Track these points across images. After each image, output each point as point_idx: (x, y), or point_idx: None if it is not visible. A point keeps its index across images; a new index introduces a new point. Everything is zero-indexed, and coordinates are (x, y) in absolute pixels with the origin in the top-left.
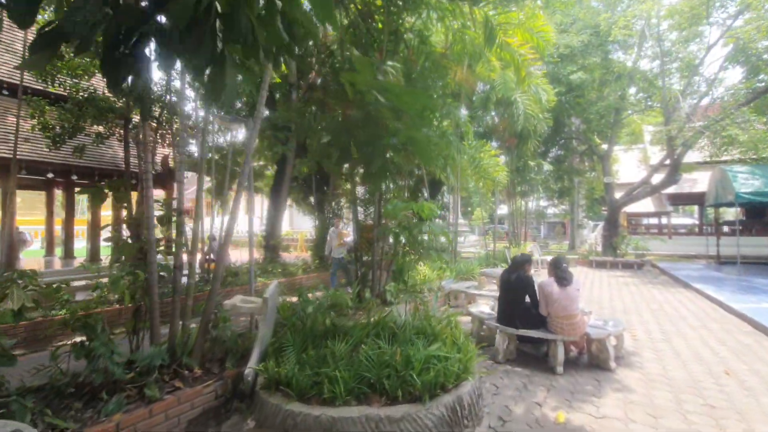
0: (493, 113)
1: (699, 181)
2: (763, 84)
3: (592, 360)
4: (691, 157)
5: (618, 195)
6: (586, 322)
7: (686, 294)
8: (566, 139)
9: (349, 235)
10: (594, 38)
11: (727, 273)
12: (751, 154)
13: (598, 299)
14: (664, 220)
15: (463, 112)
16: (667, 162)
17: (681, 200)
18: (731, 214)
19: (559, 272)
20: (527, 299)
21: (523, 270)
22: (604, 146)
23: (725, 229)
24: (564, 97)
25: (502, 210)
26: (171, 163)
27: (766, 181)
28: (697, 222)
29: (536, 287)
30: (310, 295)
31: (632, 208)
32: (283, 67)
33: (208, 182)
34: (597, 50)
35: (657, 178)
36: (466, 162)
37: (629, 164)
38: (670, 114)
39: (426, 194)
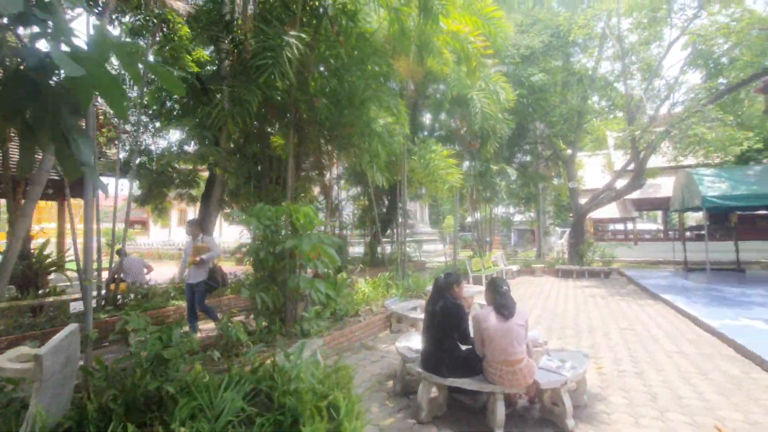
0: (452, 116)
1: (663, 186)
2: (723, 85)
3: (545, 413)
4: (655, 162)
5: (584, 201)
6: (534, 368)
7: (656, 307)
8: (531, 144)
9: (208, 249)
10: (555, 39)
11: (696, 281)
12: (714, 157)
13: (562, 316)
14: (629, 226)
15: (427, 116)
16: (632, 167)
17: (645, 205)
18: (693, 219)
19: (498, 298)
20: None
21: (451, 295)
22: (569, 151)
23: (687, 234)
24: (526, 100)
25: (472, 218)
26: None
27: (732, 184)
28: (661, 228)
29: (471, 319)
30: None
31: (598, 214)
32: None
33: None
34: (558, 52)
35: (622, 183)
36: (415, 163)
37: (594, 170)
38: (633, 115)
39: (385, 202)
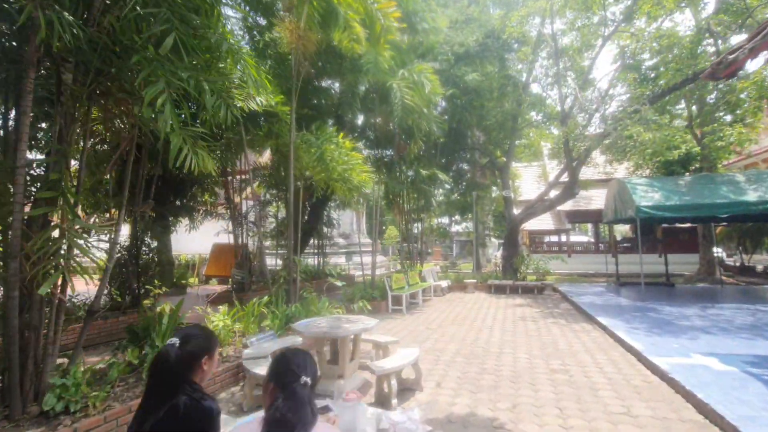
0: (371, 110)
1: (594, 199)
2: (651, 94)
3: None
4: (587, 173)
5: (518, 212)
6: None
7: (593, 334)
8: (469, 151)
9: None
10: (490, 40)
11: (630, 298)
12: (645, 168)
13: (482, 353)
14: (563, 238)
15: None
16: (565, 177)
17: (578, 218)
18: (619, 232)
19: (279, 401)
20: None
21: (191, 385)
22: (505, 159)
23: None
24: (460, 101)
25: (404, 227)
26: None
27: (665, 194)
28: (592, 240)
29: None
30: None
31: (534, 225)
32: None
33: None
34: (494, 55)
35: (556, 195)
36: (310, 155)
37: (530, 181)
38: (566, 118)
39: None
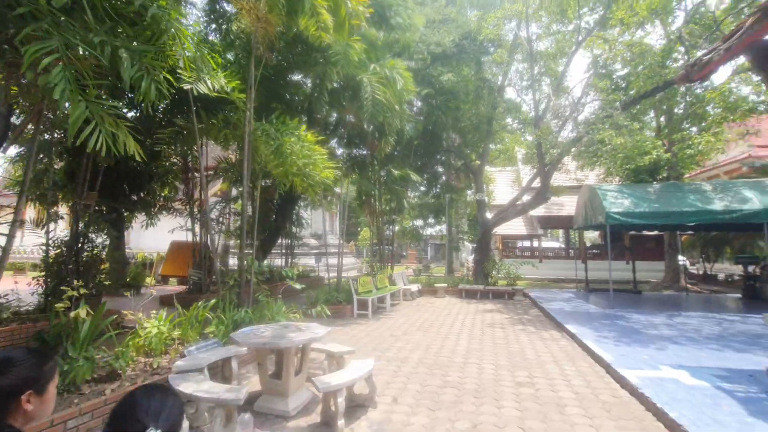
0: (339, 106)
1: (566, 205)
2: (623, 101)
3: None
4: (559, 180)
5: (491, 216)
6: None
7: (561, 343)
8: (445, 154)
9: None
10: (467, 42)
11: (599, 305)
12: (616, 176)
13: (446, 362)
14: (535, 243)
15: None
16: (537, 182)
17: (550, 223)
18: (588, 239)
19: None
20: None
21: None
22: (480, 162)
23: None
24: (435, 101)
25: (373, 229)
26: None
27: (635, 201)
28: (563, 246)
29: None
30: None
31: (507, 230)
32: None
33: None
34: (470, 57)
35: (528, 199)
36: (268, 147)
37: (504, 186)
38: (540, 120)
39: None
